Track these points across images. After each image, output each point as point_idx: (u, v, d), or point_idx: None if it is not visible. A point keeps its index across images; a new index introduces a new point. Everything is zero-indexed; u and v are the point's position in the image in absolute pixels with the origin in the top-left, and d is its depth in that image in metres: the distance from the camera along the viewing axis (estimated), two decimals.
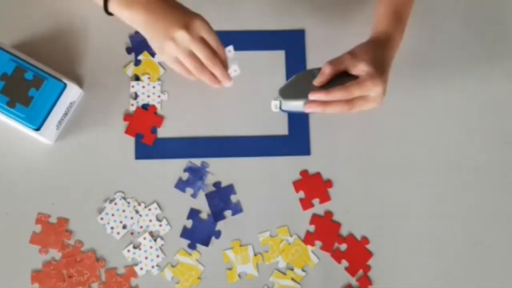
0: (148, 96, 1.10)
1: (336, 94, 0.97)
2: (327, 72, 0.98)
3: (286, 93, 1.00)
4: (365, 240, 1.07)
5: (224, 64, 1.01)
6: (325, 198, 1.08)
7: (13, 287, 1.02)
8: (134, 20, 0.98)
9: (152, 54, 1.11)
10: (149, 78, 1.10)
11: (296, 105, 1.00)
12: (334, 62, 0.98)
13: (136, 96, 1.10)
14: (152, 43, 0.99)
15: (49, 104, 1.01)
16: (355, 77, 0.98)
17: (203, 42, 0.97)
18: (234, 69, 1.10)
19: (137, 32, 1.10)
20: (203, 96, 1.10)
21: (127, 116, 1.08)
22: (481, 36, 1.15)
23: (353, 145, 1.10)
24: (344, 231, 1.07)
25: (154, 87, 1.10)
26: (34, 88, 1.01)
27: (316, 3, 1.12)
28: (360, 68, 0.97)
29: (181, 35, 0.96)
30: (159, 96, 1.10)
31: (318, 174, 1.08)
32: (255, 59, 1.11)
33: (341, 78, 0.98)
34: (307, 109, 0.99)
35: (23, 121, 1.01)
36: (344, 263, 1.06)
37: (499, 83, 1.14)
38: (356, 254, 1.06)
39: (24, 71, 1.01)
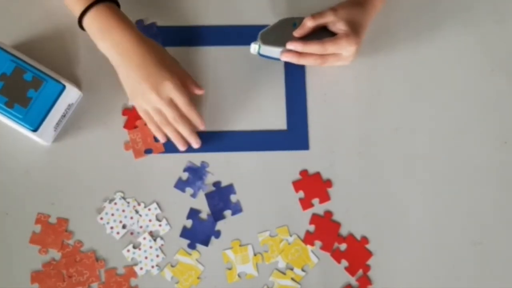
0: None
1: (312, 48, 1.04)
2: (308, 25, 1.04)
3: (266, 38, 1.06)
4: (364, 240, 1.07)
5: (193, 124, 1.03)
6: (324, 198, 1.07)
7: (13, 287, 1.02)
8: (108, 53, 1.00)
9: None
10: None
11: (273, 52, 1.07)
12: (317, 17, 1.04)
13: None
14: (125, 85, 1.02)
15: (47, 105, 1.01)
16: (332, 33, 1.05)
17: (171, 103, 1.00)
18: None
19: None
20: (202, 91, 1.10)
21: (126, 111, 1.08)
22: (481, 36, 1.15)
23: (352, 140, 1.10)
24: (343, 231, 1.07)
25: None
26: (33, 89, 1.01)
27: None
28: (338, 27, 1.04)
29: (150, 95, 0.99)
30: None
31: (317, 174, 1.08)
32: (254, 53, 1.10)
33: (319, 32, 1.06)
34: (283, 58, 1.06)
35: (21, 122, 1.01)
36: (344, 263, 1.06)
37: (499, 83, 1.13)
38: (355, 254, 1.06)
39: (24, 72, 1.02)
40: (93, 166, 1.06)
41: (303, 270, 1.05)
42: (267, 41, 1.06)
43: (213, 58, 1.12)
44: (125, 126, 1.08)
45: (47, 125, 1.02)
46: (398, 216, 1.08)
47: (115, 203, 1.05)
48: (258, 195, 1.07)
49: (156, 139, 1.07)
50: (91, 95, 1.08)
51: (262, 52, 1.07)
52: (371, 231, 1.07)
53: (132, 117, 1.08)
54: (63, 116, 1.04)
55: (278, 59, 1.07)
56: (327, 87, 1.11)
